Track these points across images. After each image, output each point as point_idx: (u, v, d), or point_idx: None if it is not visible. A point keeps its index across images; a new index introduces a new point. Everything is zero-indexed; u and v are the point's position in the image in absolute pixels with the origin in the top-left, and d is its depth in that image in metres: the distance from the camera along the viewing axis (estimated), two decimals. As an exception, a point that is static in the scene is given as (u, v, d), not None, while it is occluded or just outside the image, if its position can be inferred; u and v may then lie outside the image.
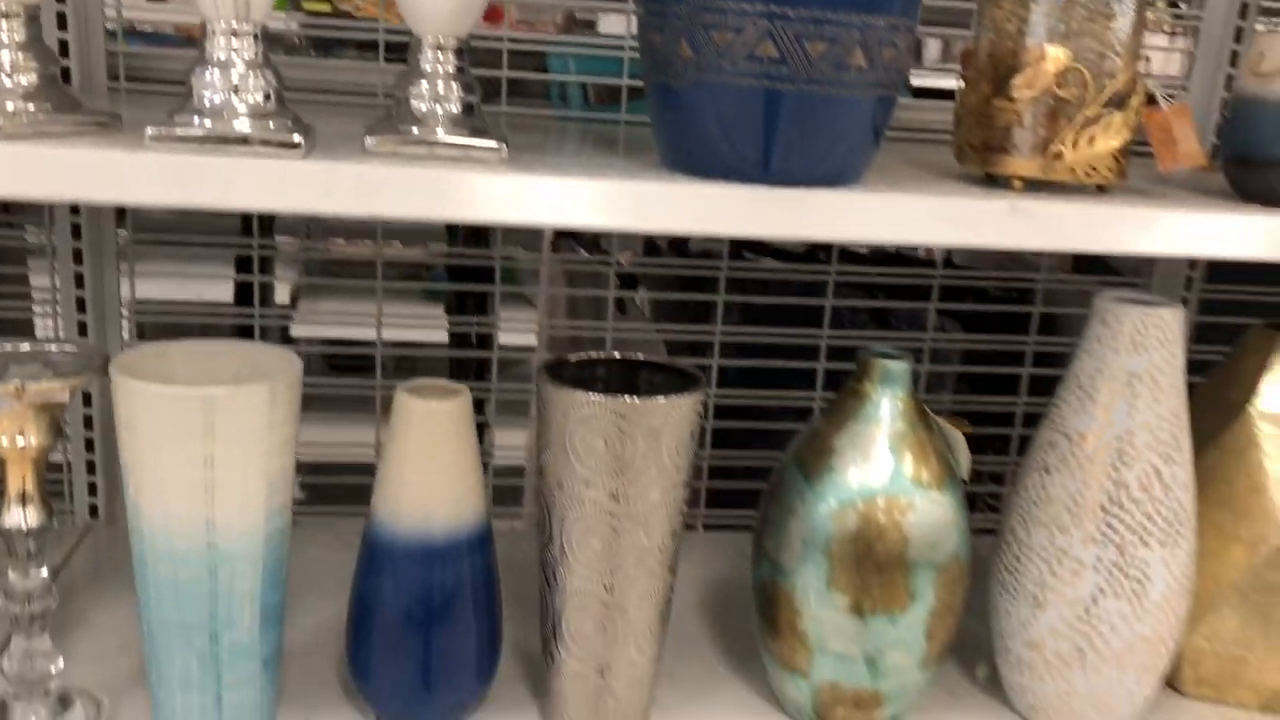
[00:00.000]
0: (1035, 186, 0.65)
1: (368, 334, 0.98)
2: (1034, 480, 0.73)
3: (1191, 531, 0.71)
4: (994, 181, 0.66)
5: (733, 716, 0.74)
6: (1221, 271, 1.08)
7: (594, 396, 0.63)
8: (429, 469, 0.65)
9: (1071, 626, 0.71)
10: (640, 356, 0.71)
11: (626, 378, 0.71)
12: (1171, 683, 0.80)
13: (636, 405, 0.63)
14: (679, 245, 1.28)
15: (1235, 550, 0.76)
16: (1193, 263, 1.04)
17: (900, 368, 0.70)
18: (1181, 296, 1.05)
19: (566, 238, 1.36)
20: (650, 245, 1.30)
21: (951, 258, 1.48)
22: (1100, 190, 0.66)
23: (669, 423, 0.64)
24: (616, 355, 0.71)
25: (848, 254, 1.18)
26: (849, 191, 0.60)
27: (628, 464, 0.64)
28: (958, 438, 0.72)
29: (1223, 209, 0.65)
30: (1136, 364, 0.69)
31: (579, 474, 0.64)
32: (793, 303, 1.05)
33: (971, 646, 0.79)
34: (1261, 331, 0.79)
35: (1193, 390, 0.74)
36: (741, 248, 1.29)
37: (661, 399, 0.64)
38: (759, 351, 1.08)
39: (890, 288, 1.14)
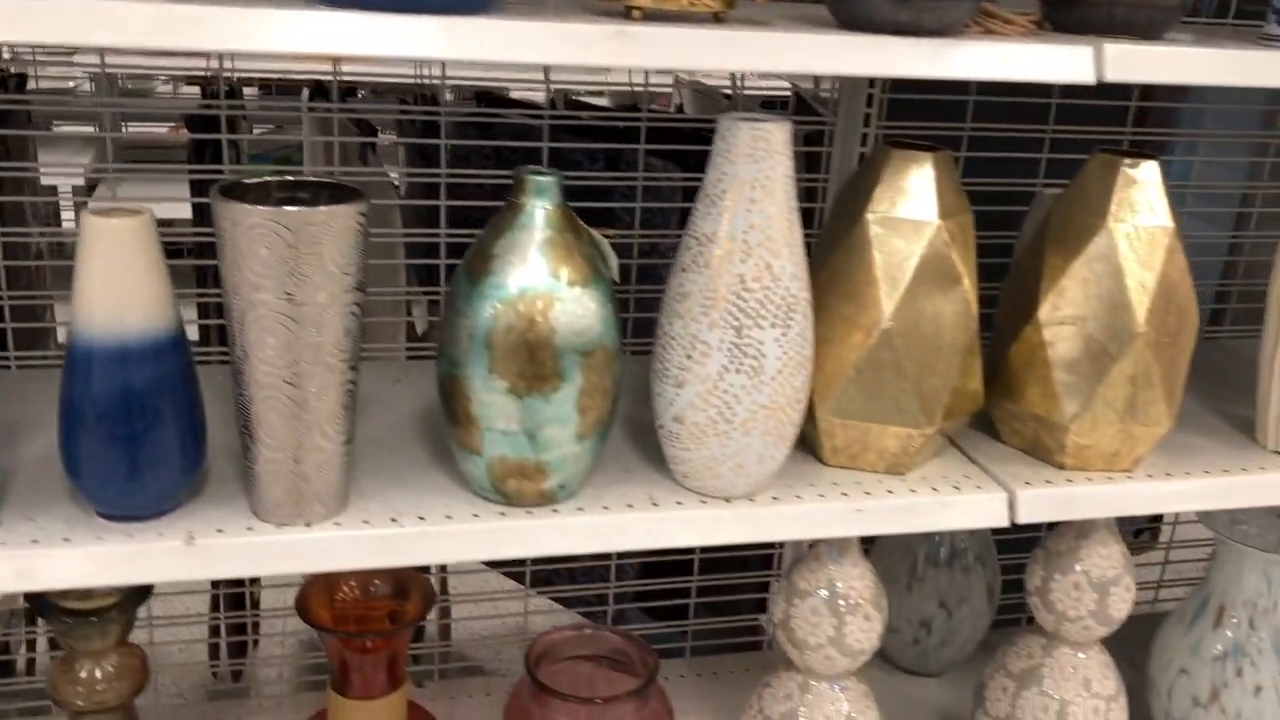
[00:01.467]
0: (656, 16, 0.75)
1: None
2: (675, 280, 0.84)
3: (803, 316, 0.84)
4: (628, 14, 0.75)
5: (425, 496, 0.85)
6: (899, 109, 1.21)
7: (258, 208, 0.71)
8: (117, 281, 0.72)
9: (705, 400, 0.83)
10: (311, 177, 0.79)
11: (302, 198, 0.79)
12: (816, 455, 0.95)
13: (294, 214, 0.71)
14: (423, 94, 1.35)
15: (855, 335, 0.89)
16: (870, 99, 1.17)
17: (549, 181, 0.79)
18: (861, 133, 1.18)
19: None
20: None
21: (682, 108, 1.58)
22: (716, 19, 0.77)
23: (328, 231, 0.73)
24: (290, 178, 0.79)
25: (576, 103, 1.28)
26: (476, 18, 0.69)
27: (293, 269, 0.72)
28: (605, 244, 0.83)
29: (820, 33, 0.76)
30: (750, 173, 0.80)
31: (250, 280, 0.73)
32: (514, 145, 1.14)
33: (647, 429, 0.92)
34: (883, 150, 0.91)
35: (836, 203, 0.86)
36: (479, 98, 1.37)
37: (320, 209, 0.72)
38: (489, 193, 1.16)
39: (611, 131, 1.24)
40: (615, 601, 1.49)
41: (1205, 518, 1.17)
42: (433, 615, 1.56)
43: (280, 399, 0.76)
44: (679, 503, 0.87)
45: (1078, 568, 1.02)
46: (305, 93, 1.58)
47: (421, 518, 0.82)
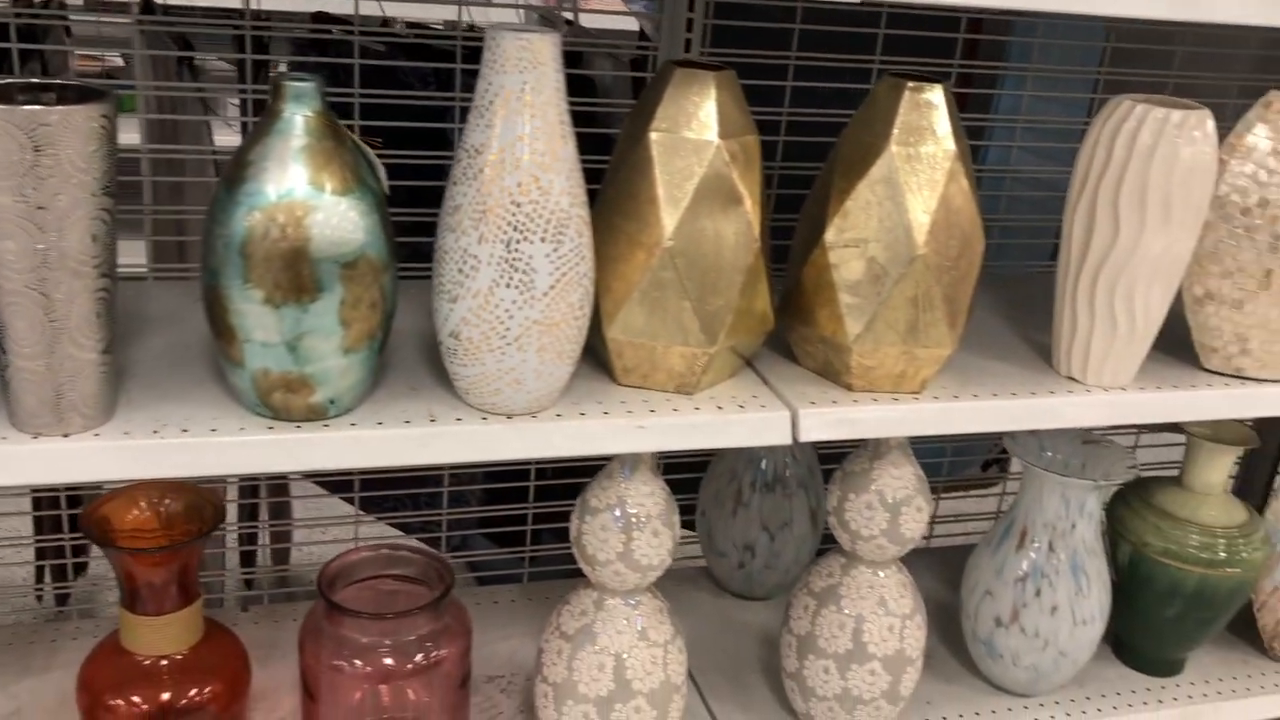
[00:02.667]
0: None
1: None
2: (448, 193, 0.84)
3: (576, 232, 0.84)
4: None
5: (196, 409, 0.84)
6: (726, 36, 1.21)
7: (-14, 107, 0.69)
8: None
9: (478, 316, 0.83)
10: (61, 80, 0.77)
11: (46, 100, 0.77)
12: (610, 374, 0.95)
13: (27, 113, 0.69)
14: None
15: (639, 254, 0.90)
16: (689, 24, 1.16)
17: (307, 87, 0.78)
18: (685, 58, 1.17)
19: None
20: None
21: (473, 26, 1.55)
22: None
23: (65, 132, 0.71)
24: (40, 81, 0.77)
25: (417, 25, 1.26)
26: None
27: (30, 170, 0.71)
28: (371, 154, 0.82)
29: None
30: (516, 84, 0.80)
31: (-17, 180, 0.71)
32: (346, 63, 1.13)
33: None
34: (666, 67, 0.91)
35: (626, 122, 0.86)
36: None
37: (54, 109, 0.70)
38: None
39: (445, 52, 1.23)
40: (463, 527, 1.50)
41: (1010, 444, 1.20)
42: (266, 540, 1.56)
43: (26, 305, 0.74)
44: (458, 419, 0.87)
45: (871, 488, 1.04)
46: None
47: (185, 430, 0.81)
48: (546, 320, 0.84)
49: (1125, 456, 1.18)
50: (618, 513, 0.97)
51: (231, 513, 1.46)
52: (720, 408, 0.93)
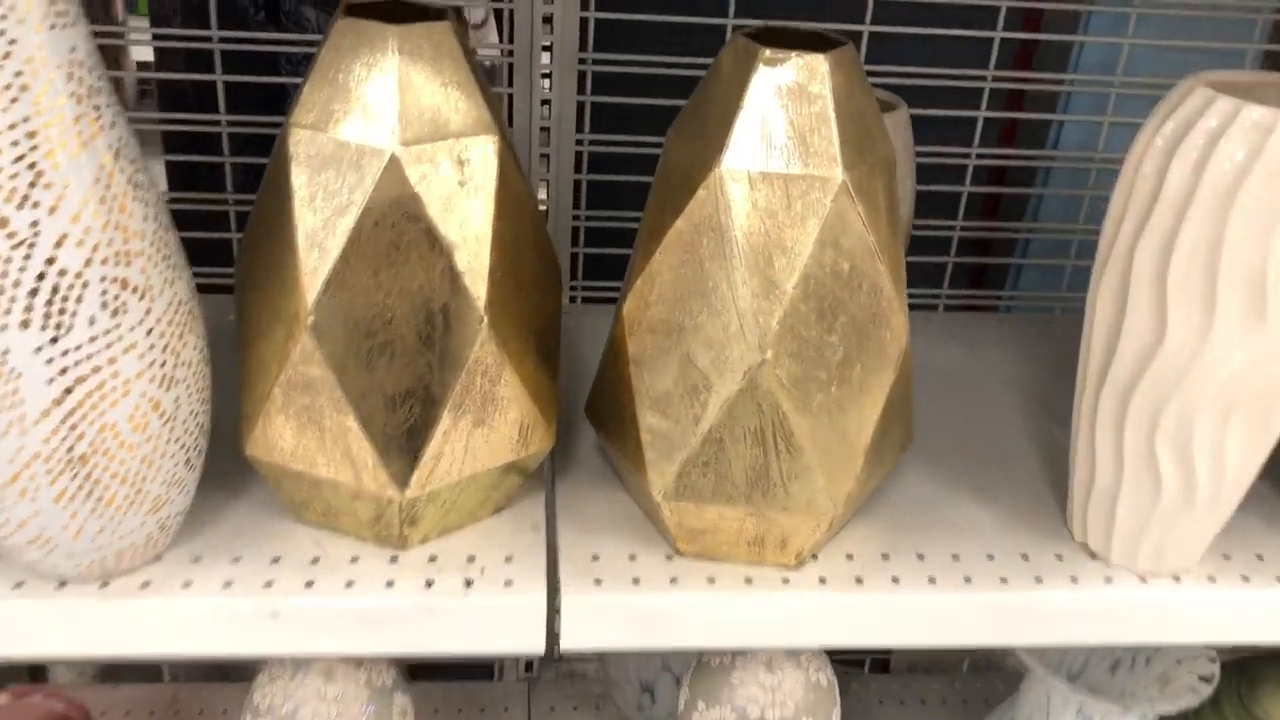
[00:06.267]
0: None
1: None
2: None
3: (112, 302, 0.48)
4: None
5: None
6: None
7: None
8: None
9: (-47, 437, 0.50)
10: None
11: None
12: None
13: None
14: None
15: (277, 331, 0.54)
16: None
17: None
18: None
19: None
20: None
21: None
22: None
23: None
24: None
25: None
26: None
27: None
28: None
29: None
30: None
31: None
32: None
33: None
34: (340, 14, 0.53)
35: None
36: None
37: None
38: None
39: None
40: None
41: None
42: None
43: None
44: (-14, 581, 0.55)
45: (728, 699, 0.65)
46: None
47: None
48: (55, 452, 0.49)
49: (1195, 660, 0.74)
50: None
51: None
52: (429, 583, 0.57)
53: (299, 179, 0.51)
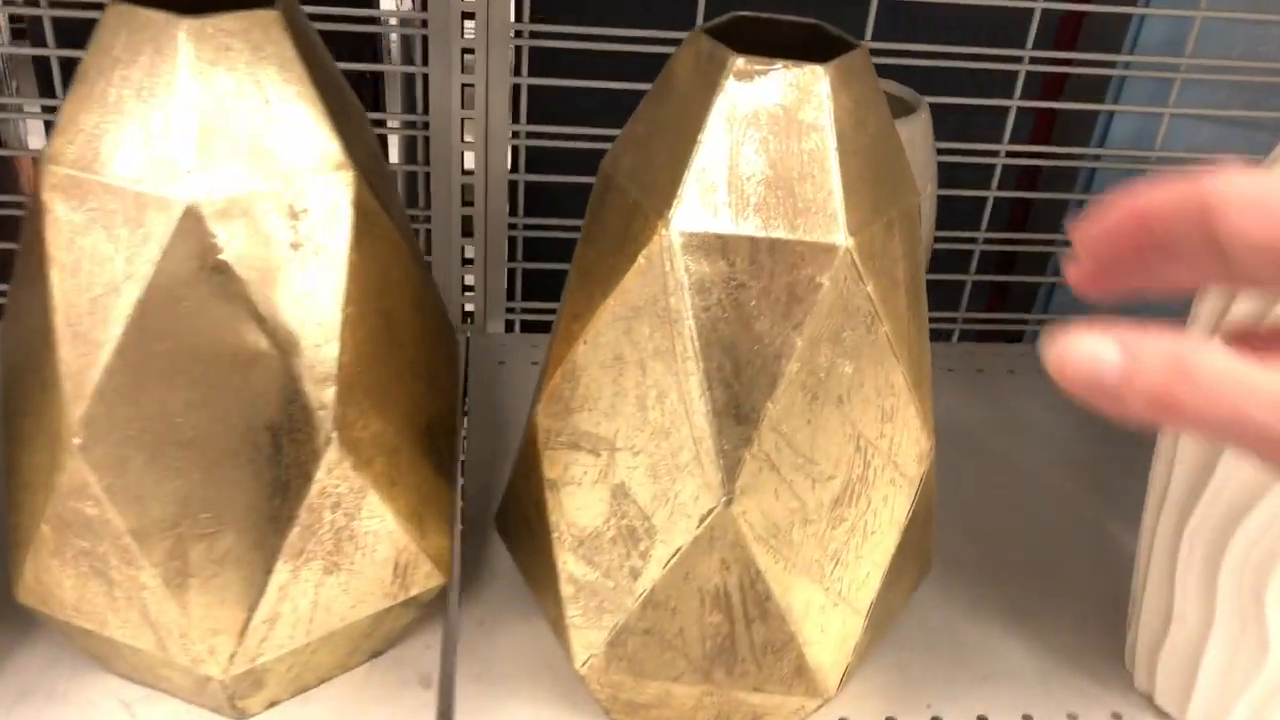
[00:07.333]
0: None
1: None
2: None
3: None
4: None
5: None
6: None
7: None
8: None
9: None
10: None
11: None
12: (97, 647, 0.45)
13: None
14: None
15: (41, 457, 0.38)
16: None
17: None
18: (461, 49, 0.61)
19: None
20: None
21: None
22: None
23: None
24: None
25: None
26: None
27: None
28: None
29: None
30: None
31: None
32: None
33: None
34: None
35: None
36: None
37: None
38: None
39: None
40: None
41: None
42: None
43: None
44: None
45: None
46: None
47: None
48: None
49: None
50: None
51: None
52: (271, 778, 0.42)
53: (56, 241, 0.35)
